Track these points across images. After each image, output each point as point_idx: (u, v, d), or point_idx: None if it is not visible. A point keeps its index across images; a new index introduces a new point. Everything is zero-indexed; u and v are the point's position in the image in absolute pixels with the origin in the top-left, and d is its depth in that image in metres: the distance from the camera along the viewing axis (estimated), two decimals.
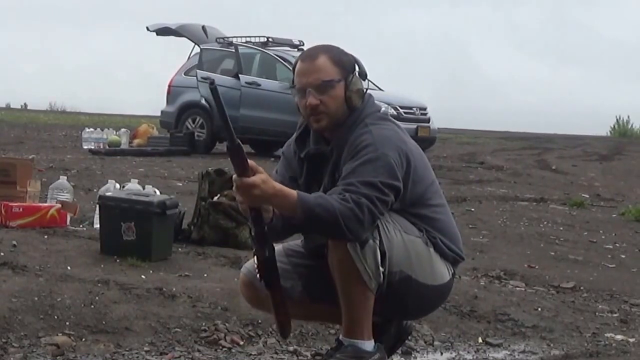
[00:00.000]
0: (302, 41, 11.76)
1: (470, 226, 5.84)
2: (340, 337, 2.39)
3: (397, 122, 2.44)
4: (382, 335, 2.47)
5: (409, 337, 2.88)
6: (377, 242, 2.28)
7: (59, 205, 4.46)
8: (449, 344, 3.30)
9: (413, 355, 3.15)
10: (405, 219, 2.36)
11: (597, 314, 3.84)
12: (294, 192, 2.23)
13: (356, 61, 2.40)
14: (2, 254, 3.65)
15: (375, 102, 2.45)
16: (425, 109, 10.97)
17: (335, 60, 2.36)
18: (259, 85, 11.11)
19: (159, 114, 12.21)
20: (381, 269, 2.28)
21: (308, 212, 2.20)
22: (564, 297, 4.07)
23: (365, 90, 2.40)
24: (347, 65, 2.37)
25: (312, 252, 2.43)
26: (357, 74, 2.38)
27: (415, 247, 2.36)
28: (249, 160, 2.22)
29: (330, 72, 2.34)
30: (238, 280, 2.53)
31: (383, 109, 2.51)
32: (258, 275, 2.33)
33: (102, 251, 3.82)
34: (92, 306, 3.06)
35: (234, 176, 2.23)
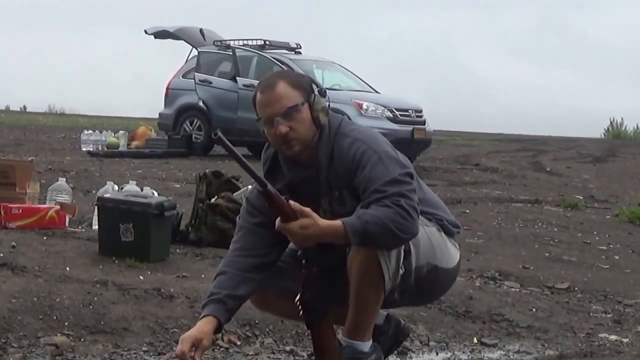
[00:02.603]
0: (299, 44, 11.78)
1: (466, 227, 5.85)
2: (339, 336, 2.40)
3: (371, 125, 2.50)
4: (380, 336, 2.49)
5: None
6: None
7: (58, 207, 4.47)
8: (445, 344, 3.32)
9: (409, 356, 3.17)
10: None
11: (591, 314, 3.87)
12: (339, 223, 2.24)
13: (312, 80, 2.41)
14: (1, 255, 3.67)
15: (334, 113, 2.45)
16: (421, 111, 10.99)
17: (294, 84, 2.35)
18: None
19: (157, 116, 12.21)
20: (401, 270, 2.31)
21: (361, 235, 2.23)
22: (559, 298, 4.09)
23: (327, 107, 2.39)
24: (306, 86, 2.37)
25: (323, 271, 2.42)
26: (316, 92, 2.37)
27: (435, 237, 2.42)
28: (292, 203, 2.24)
29: (292, 97, 2.33)
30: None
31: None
32: (301, 313, 2.37)
33: (100, 252, 3.84)
34: (91, 307, 3.08)
35: (277, 221, 2.26)
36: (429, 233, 2.39)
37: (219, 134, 2.24)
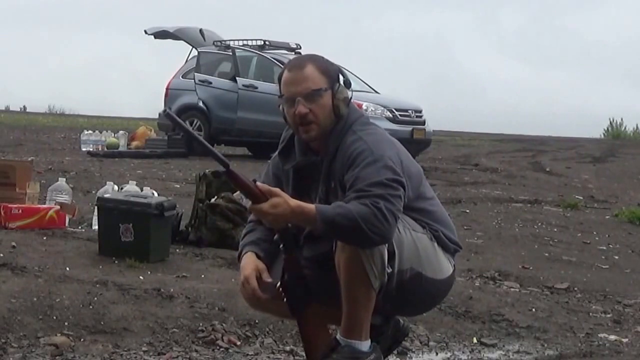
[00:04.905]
0: (298, 44, 11.79)
1: (465, 227, 5.86)
2: (337, 336, 2.40)
3: (379, 125, 2.50)
4: (379, 336, 2.49)
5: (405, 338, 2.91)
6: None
7: (58, 207, 4.47)
8: (444, 344, 3.33)
9: (408, 356, 3.18)
10: (407, 216, 2.39)
11: (590, 314, 3.87)
12: (312, 207, 2.26)
13: (340, 71, 2.44)
14: (1, 255, 3.67)
15: (356, 107, 2.48)
16: (420, 111, 11.00)
17: (322, 69, 2.40)
18: (256, 88, 11.14)
19: (156, 116, 12.23)
20: (388, 269, 2.31)
21: (329, 223, 2.23)
22: (558, 298, 4.09)
23: (350, 98, 2.42)
24: (333, 74, 2.41)
25: (314, 260, 2.43)
26: (342, 82, 2.41)
27: (423, 244, 2.40)
28: (259, 184, 2.26)
29: (318, 81, 2.37)
30: (238, 281, 2.55)
31: (365, 112, 2.55)
32: (284, 299, 2.39)
33: (100, 252, 3.84)
34: (91, 307, 3.09)
35: (249, 204, 2.28)
36: (416, 238, 2.38)
37: (169, 111, 2.31)
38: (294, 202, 2.26)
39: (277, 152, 2.51)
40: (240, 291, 2.46)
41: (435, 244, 2.44)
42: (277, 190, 2.27)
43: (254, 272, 2.37)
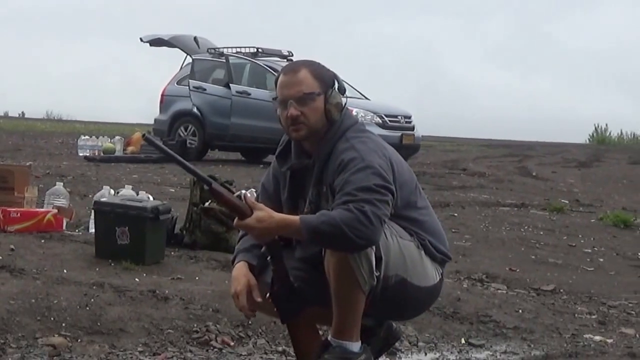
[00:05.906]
0: (290, 52, 11.86)
1: (454, 230, 5.89)
2: (329, 337, 2.43)
3: (373, 132, 2.54)
4: (371, 338, 2.52)
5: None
6: (374, 247, 2.34)
7: (56, 211, 4.50)
8: (433, 345, 3.36)
9: (398, 356, 3.21)
10: (396, 224, 2.42)
11: (576, 315, 3.91)
12: (296, 219, 2.29)
13: (335, 77, 2.48)
14: (0, 257, 3.71)
15: (352, 114, 2.54)
16: (409, 117, 11.08)
17: (316, 74, 2.44)
18: (249, 94, 11.21)
19: (152, 122, 12.28)
20: (376, 273, 2.35)
21: (313, 233, 2.26)
22: (544, 300, 4.13)
23: (344, 104, 2.47)
24: (327, 79, 2.45)
25: (306, 261, 2.47)
26: (336, 88, 2.46)
27: (409, 251, 2.43)
28: (247, 199, 2.30)
29: (311, 85, 2.42)
30: (230, 286, 2.58)
31: (360, 119, 2.59)
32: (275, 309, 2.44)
33: (97, 255, 3.88)
34: (88, 308, 3.12)
35: (235, 220, 2.33)
36: (402, 245, 2.41)
37: (147, 135, 2.33)
38: (278, 216, 2.31)
39: (275, 155, 2.56)
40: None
41: (422, 252, 2.46)
42: (260, 205, 2.32)
43: (245, 288, 2.40)
